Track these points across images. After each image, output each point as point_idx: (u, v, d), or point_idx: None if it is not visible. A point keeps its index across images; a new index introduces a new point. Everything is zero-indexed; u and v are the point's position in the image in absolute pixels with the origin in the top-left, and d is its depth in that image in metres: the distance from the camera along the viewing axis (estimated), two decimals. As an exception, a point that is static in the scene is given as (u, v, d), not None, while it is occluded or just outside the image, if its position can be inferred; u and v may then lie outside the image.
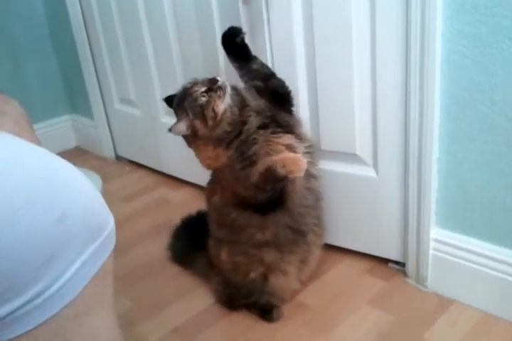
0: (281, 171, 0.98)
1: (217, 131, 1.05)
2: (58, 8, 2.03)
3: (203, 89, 1.04)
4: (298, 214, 1.13)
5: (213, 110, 1.03)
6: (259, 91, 1.12)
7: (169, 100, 1.13)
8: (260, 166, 1.02)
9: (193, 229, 1.39)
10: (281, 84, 1.15)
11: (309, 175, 1.12)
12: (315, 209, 1.19)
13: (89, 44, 2.02)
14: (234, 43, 1.12)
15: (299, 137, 1.11)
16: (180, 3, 1.55)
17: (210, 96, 1.04)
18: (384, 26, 1.08)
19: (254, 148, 1.05)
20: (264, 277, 1.18)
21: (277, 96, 1.13)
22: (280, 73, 1.16)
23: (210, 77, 1.07)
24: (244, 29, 1.13)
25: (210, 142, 1.07)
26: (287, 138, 1.07)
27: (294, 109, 1.16)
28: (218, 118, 1.03)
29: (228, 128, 1.05)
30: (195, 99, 1.04)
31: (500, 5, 0.92)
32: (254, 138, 1.05)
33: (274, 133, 1.07)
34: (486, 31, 0.96)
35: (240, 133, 1.06)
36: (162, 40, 1.68)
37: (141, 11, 1.70)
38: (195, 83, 1.07)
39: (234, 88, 1.09)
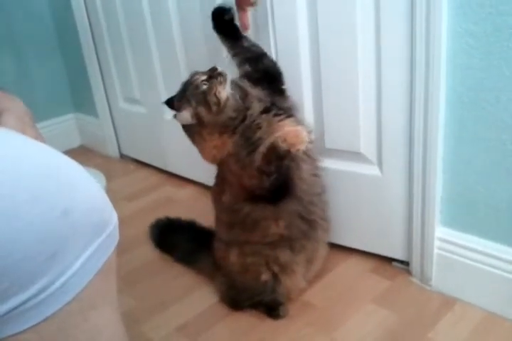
0: (283, 145, 0.97)
1: (222, 117, 1.05)
2: (64, 8, 2.04)
3: (204, 77, 1.06)
4: (308, 202, 1.13)
5: (215, 96, 1.04)
6: (251, 79, 1.13)
7: (170, 102, 1.13)
8: (262, 147, 1.02)
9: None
10: (272, 64, 1.16)
11: (315, 159, 1.14)
12: (321, 200, 1.18)
13: (94, 43, 2.03)
14: (223, 21, 1.13)
15: (298, 121, 1.11)
16: (185, 3, 1.55)
17: (211, 83, 1.05)
18: (389, 25, 1.08)
19: (259, 133, 1.05)
20: (276, 278, 1.18)
21: (268, 77, 1.14)
22: (285, 72, 1.16)
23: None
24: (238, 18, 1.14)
25: (216, 129, 1.07)
26: (290, 122, 1.08)
27: (284, 87, 1.16)
28: (222, 103, 1.04)
29: (233, 114, 1.06)
30: (197, 87, 1.06)
31: (506, 3, 0.92)
32: (258, 124, 1.06)
33: (276, 115, 1.08)
34: (491, 29, 0.95)
35: (245, 118, 1.07)
36: (166, 39, 1.68)
37: (146, 10, 1.71)
38: (195, 73, 1.09)
39: (232, 81, 1.09)
